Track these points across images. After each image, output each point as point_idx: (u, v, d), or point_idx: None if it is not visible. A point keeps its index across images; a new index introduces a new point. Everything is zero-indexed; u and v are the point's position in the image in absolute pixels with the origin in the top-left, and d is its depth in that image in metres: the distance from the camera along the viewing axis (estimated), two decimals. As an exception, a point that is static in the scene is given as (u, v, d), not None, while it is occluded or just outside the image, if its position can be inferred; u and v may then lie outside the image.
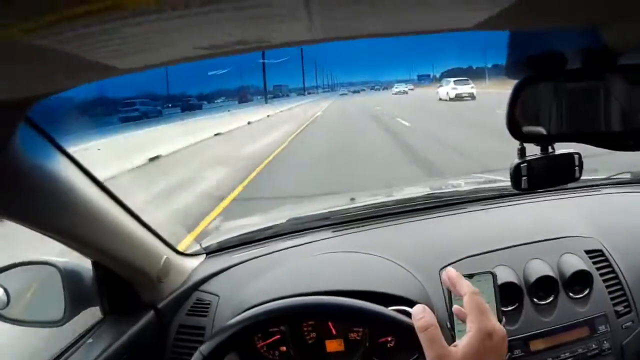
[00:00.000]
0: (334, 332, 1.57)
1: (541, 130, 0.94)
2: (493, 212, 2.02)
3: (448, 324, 0.96)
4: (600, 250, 1.72)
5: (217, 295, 1.63)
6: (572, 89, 0.90)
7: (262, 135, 17.11)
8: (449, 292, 0.98)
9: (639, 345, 1.61)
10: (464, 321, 0.90)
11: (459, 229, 1.91)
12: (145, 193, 7.81)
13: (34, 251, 1.45)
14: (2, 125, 0.83)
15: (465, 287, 0.91)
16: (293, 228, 1.98)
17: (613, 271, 1.69)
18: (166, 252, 1.59)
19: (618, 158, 1.49)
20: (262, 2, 0.50)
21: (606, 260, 1.71)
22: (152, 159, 12.22)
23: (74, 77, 0.72)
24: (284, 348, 1.56)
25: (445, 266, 1.61)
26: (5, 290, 1.32)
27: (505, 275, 1.59)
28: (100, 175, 1.22)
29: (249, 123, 23.98)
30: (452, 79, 33.67)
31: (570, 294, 1.62)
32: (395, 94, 46.86)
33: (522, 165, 1.04)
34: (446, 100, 30.46)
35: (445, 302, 1.40)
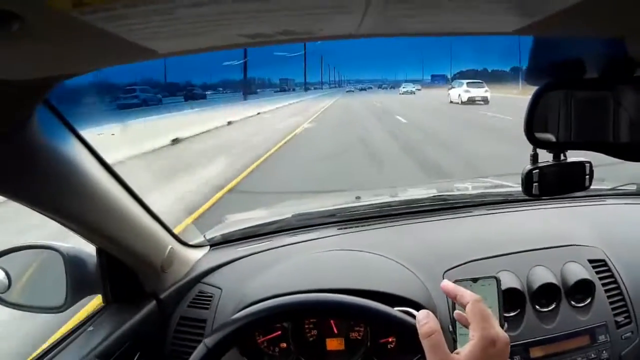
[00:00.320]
0: (335, 330, 1.57)
1: (555, 137, 0.95)
2: (499, 217, 2.03)
3: (450, 327, 0.97)
4: (604, 260, 1.73)
5: (220, 288, 1.63)
6: (588, 98, 0.91)
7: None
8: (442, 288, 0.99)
9: (638, 356, 1.62)
10: (466, 326, 0.90)
11: (464, 233, 1.92)
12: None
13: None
14: (22, 105, 0.84)
15: (467, 296, 0.92)
16: (298, 224, 1.99)
17: (615, 282, 1.70)
18: (171, 242, 1.59)
19: (625, 169, 1.50)
20: None
21: (609, 270, 1.71)
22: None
23: (104, 58, 0.72)
24: (285, 344, 1.56)
25: (450, 269, 1.64)
26: (7, 274, 1.32)
27: (508, 280, 1.60)
28: (115, 157, 1.22)
29: (229, 123, 19.95)
30: (465, 81, 30.95)
31: (572, 302, 1.63)
32: (403, 93, 45.86)
33: (534, 171, 1.03)
34: (457, 103, 28.39)
35: (448, 306, 1.40)
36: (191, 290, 1.64)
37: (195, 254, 1.77)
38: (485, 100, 27.61)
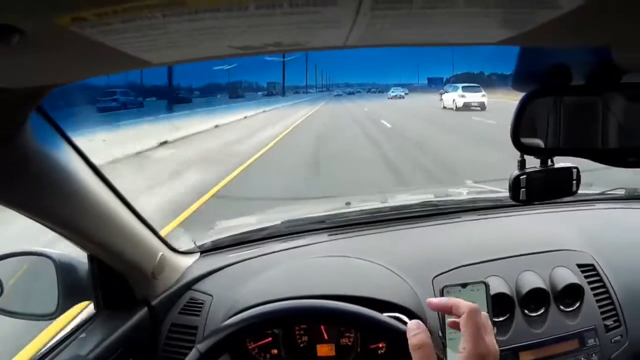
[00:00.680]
0: (325, 336, 1.58)
1: (542, 143, 0.97)
2: (488, 222, 2.05)
3: (440, 332, 0.98)
4: (592, 265, 1.75)
5: (211, 295, 1.63)
6: (575, 104, 0.93)
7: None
8: (429, 305, 1.00)
9: (627, 359, 1.64)
10: (457, 329, 0.90)
11: (453, 238, 1.94)
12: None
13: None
14: (17, 112, 0.84)
15: (463, 306, 0.90)
16: (288, 230, 2.00)
17: (604, 286, 1.72)
18: (162, 249, 1.60)
19: (613, 174, 1.53)
20: (313, 9, 0.50)
21: (597, 274, 1.73)
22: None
23: (99, 67, 0.72)
24: (276, 351, 1.57)
25: (439, 275, 1.66)
26: None
27: (497, 285, 1.62)
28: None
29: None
30: (460, 85, 28.86)
31: (561, 307, 1.65)
32: (391, 98, 45.11)
33: (521, 177, 1.05)
34: (452, 109, 26.68)
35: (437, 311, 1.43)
36: (182, 297, 1.65)
37: (185, 261, 1.78)
38: (482, 106, 25.84)
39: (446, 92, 30.91)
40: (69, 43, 0.54)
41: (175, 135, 16.57)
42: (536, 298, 1.64)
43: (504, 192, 2.27)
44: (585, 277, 1.72)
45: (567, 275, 1.68)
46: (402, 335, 0.97)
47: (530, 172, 1.06)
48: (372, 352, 1.56)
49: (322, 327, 1.59)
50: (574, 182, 1.12)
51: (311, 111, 30.75)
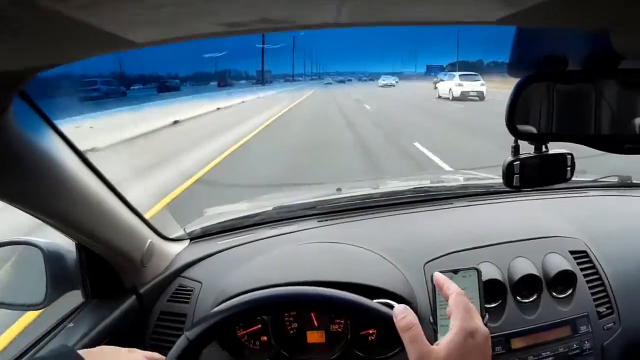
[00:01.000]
0: (315, 323, 1.59)
1: (537, 129, 0.97)
2: (480, 208, 2.06)
3: (431, 318, 0.99)
4: (585, 252, 1.76)
5: (200, 282, 1.63)
6: (570, 90, 0.93)
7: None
8: (434, 287, 1.00)
9: (620, 346, 1.65)
10: (448, 317, 0.92)
11: (445, 224, 1.95)
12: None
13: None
14: None
15: (452, 288, 0.95)
16: (278, 216, 1.99)
17: (597, 272, 1.73)
18: (150, 236, 1.59)
19: (606, 161, 1.53)
20: None
21: (590, 261, 1.74)
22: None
23: (82, 49, 0.71)
24: (265, 338, 1.56)
25: (430, 261, 1.67)
26: None
27: (489, 272, 1.62)
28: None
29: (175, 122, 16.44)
30: (457, 73, 27.95)
31: (554, 294, 1.65)
32: (382, 86, 45.01)
33: (515, 162, 1.04)
34: (447, 99, 26.04)
35: (429, 297, 1.43)
36: (171, 285, 1.64)
37: (175, 248, 1.77)
38: (480, 96, 25.01)
39: (441, 80, 30.48)
40: (52, 23, 0.53)
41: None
42: (528, 284, 1.64)
43: (496, 179, 2.29)
44: (578, 264, 1.72)
45: (559, 262, 1.69)
46: (391, 321, 0.97)
47: (524, 158, 1.05)
48: (363, 339, 1.56)
49: (312, 314, 1.59)
50: (568, 168, 1.11)
51: (291, 105, 28.44)
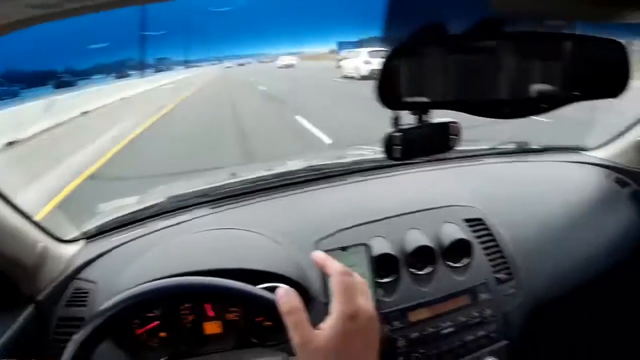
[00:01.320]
0: (211, 313, 1.56)
1: (414, 98, 0.95)
2: (374, 183, 2.07)
3: (324, 298, 0.96)
4: (481, 219, 1.80)
5: (95, 282, 1.58)
6: (447, 56, 0.92)
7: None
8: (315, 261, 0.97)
9: (522, 311, 1.70)
10: None
11: (337, 202, 1.95)
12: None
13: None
14: None
15: (331, 267, 0.91)
16: (173, 206, 1.96)
17: (494, 239, 1.76)
18: (43, 239, 1.54)
19: (502, 129, 1.55)
20: None
21: (486, 228, 1.78)
22: None
23: None
24: (164, 334, 1.53)
25: (321, 239, 1.68)
26: None
27: (381, 246, 1.63)
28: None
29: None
30: (366, 49, 24.66)
31: (449, 263, 1.68)
32: (281, 67, 43.03)
33: (395, 134, 1.03)
34: (354, 77, 23.86)
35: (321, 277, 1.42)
36: (68, 288, 1.58)
37: (70, 250, 1.71)
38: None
39: (346, 58, 28.03)
40: None
41: None
42: (422, 256, 1.66)
43: None
44: (474, 231, 1.76)
45: (453, 231, 1.72)
46: (275, 306, 0.96)
47: (405, 129, 1.04)
48: (259, 325, 1.54)
49: (206, 304, 1.56)
50: (452, 137, 1.12)
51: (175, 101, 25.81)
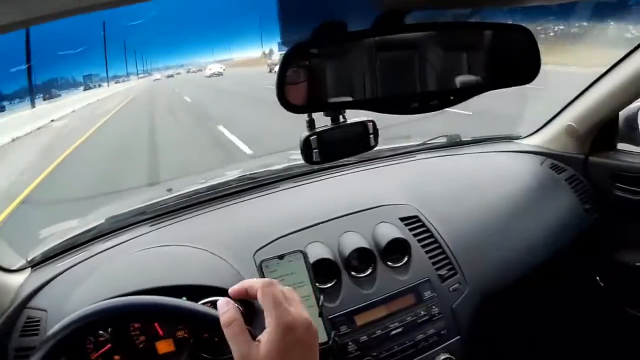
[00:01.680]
0: (160, 332, 1.54)
1: (321, 99, 0.95)
2: (305, 188, 2.09)
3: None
4: (416, 217, 1.83)
5: (45, 310, 1.56)
6: (348, 54, 0.93)
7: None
8: (263, 276, 0.96)
9: (470, 305, 1.73)
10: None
11: (271, 210, 1.96)
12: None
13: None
14: None
15: (254, 284, 0.91)
16: (113, 227, 1.94)
17: (432, 236, 1.80)
18: None
19: (432, 125, 1.58)
20: None
21: (423, 225, 1.81)
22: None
23: None
24: (118, 357, 1.51)
25: (259, 249, 1.68)
26: None
27: (318, 251, 1.65)
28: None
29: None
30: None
31: (389, 263, 1.71)
32: (210, 76, 41.41)
33: (311, 137, 1.04)
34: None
35: None
36: (19, 318, 1.57)
37: (17, 279, 1.70)
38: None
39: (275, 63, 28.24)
40: None
41: None
42: (361, 258, 1.68)
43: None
44: (410, 229, 1.78)
45: (390, 231, 1.74)
46: (213, 320, 0.97)
47: (321, 131, 1.06)
48: (207, 341, 1.53)
49: (155, 323, 1.53)
50: (371, 135, 1.13)
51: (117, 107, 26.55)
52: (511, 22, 1.03)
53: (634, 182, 2.12)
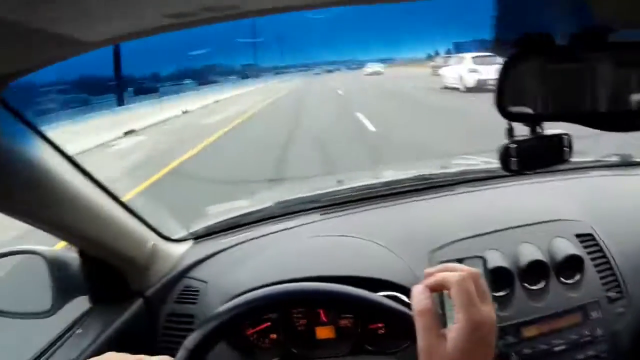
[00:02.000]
0: (324, 319, 1.59)
1: (529, 109, 0.99)
2: (482, 194, 2.05)
3: (440, 309, 0.94)
4: (591, 234, 1.74)
5: (205, 282, 1.64)
6: (560, 67, 0.95)
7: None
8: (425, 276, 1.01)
9: (631, 331, 1.64)
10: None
11: (448, 212, 1.94)
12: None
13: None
14: None
15: (451, 278, 0.87)
16: (281, 211, 2.00)
17: (604, 256, 1.71)
18: (153, 238, 1.61)
19: (606, 140, 1.56)
20: None
21: (597, 244, 1.73)
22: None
23: (41, 54, 0.72)
24: (274, 335, 1.57)
25: (435, 250, 1.66)
26: None
27: (495, 259, 1.62)
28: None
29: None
30: (470, 55, 20.39)
31: (562, 279, 1.64)
32: (368, 74, 40.93)
33: (511, 146, 1.03)
34: (458, 89, 19.93)
35: None
36: (177, 286, 1.65)
37: (179, 249, 1.78)
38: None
39: (447, 65, 23.60)
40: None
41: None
42: (536, 271, 1.63)
43: (496, 163, 2.30)
44: (585, 247, 1.71)
45: (566, 246, 1.68)
46: (398, 314, 1.00)
47: (520, 140, 1.03)
48: (372, 333, 1.56)
49: (320, 309, 1.59)
50: (566, 149, 1.10)
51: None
52: None
53: None
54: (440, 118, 13.78)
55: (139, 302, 1.54)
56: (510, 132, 1.04)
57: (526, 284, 1.63)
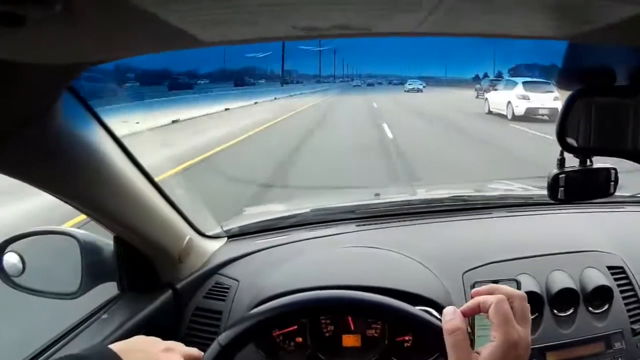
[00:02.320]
0: (352, 327, 1.59)
1: (584, 142, 0.99)
2: (519, 219, 2.06)
3: (469, 328, 0.95)
4: (622, 268, 1.76)
5: (237, 280, 1.66)
6: (617, 104, 0.95)
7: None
8: (472, 297, 1.01)
9: None
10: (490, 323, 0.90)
11: (483, 234, 1.96)
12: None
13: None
14: (48, 90, 0.85)
15: (489, 299, 0.90)
16: (316, 219, 2.01)
17: (633, 289, 1.73)
18: (189, 233, 1.62)
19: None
20: None
21: (627, 277, 1.74)
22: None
23: (142, 45, 0.72)
24: (300, 339, 1.58)
25: (469, 270, 1.68)
26: (21, 258, 1.34)
27: (528, 284, 1.63)
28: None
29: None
30: (520, 80, 18.83)
31: (590, 308, 1.66)
32: (408, 91, 41.34)
33: (560, 175, 1.07)
34: (505, 116, 17.81)
35: None
36: (207, 281, 1.67)
37: (212, 245, 1.80)
38: (552, 115, 15.18)
39: (494, 89, 21.47)
40: (116, 13, 0.53)
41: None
42: (566, 298, 1.65)
43: (533, 190, 2.30)
44: (615, 279, 1.72)
45: (597, 277, 1.69)
46: (433, 329, 1.00)
47: (569, 171, 1.08)
48: (399, 345, 1.57)
49: (349, 317, 1.59)
50: (612, 183, 1.15)
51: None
52: None
53: None
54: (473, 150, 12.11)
55: (167, 294, 1.55)
56: (561, 162, 1.09)
57: (555, 310, 1.65)
